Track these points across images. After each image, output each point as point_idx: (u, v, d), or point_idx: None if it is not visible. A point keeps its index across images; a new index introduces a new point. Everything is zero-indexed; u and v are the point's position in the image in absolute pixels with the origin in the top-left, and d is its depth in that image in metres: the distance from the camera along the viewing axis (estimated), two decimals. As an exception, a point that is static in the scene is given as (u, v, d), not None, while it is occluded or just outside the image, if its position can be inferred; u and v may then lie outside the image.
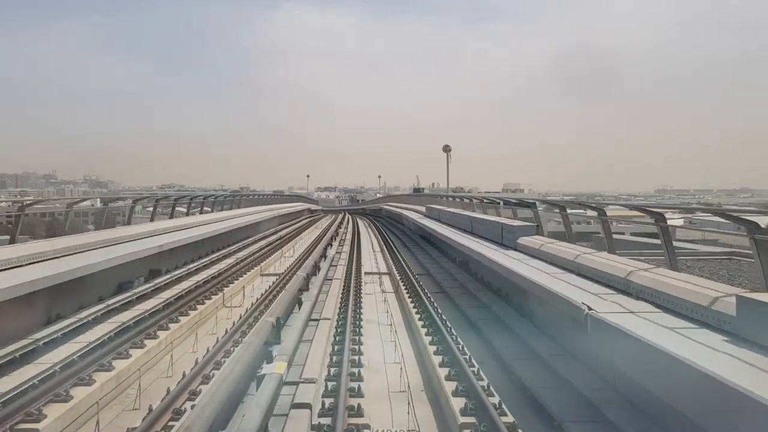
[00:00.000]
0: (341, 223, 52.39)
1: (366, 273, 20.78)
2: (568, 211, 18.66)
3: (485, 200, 21.74)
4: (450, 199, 29.68)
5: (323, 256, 22.30)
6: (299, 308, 11.74)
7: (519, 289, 10.98)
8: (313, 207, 77.66)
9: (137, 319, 12.15)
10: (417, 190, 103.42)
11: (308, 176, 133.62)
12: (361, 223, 55.85)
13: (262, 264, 21.63)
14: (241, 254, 23.60)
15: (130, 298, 13.94)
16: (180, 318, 12.63)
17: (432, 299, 14.37)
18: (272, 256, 24.09)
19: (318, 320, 11.84)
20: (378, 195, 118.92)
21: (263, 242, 29.49)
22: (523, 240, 13.59)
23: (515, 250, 13.67)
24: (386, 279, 19.97)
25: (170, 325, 11.97)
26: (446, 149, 38.02)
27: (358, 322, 12.29)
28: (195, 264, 19.79)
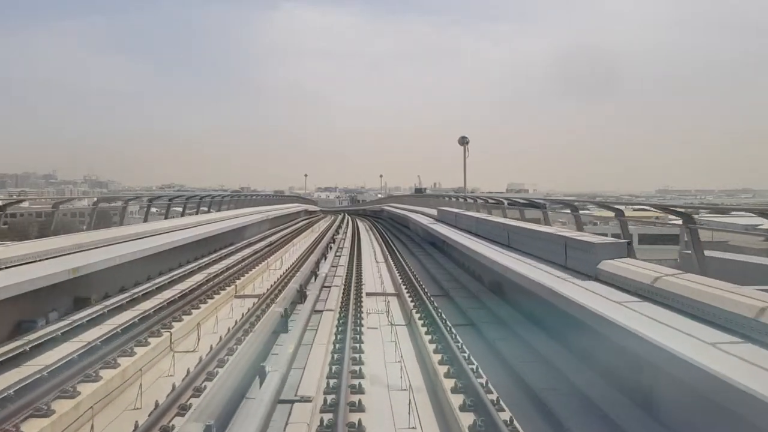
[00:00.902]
0: (340, 226, 47.78)
1: (368, 294, 16.31)
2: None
3: (519, 201, 17.05)
4: (471, 200, 24.83)
5: (314, 273, 17.69)
6: (262, 383, 7.09)
7: (637, 364, 6.32)
8: (311, 208, 72.94)
9: (14, 389, 7.68)
10: (419, 190, 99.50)
11: (306, 176, 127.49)
12: (361, 225, 51.36)
13: (237, 283, 17.10)
14: (213, 269, 19.08)
15: (22, 349, 9.47)
16: (79, 388, 8.05)
17: (463, 346, 9.83)
18: (249, 274, 19.44)
19: (291, 403, 7.17)
20: (379, 195, 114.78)
21: (248, 251, 25.10)
22: (610, 266, 8.75)
23: (596, 279, 8.91)
24: (394, 303, 15.52)
25: (54, 406, 7.38)
26: (463, 141, 33.03)
27: (357, 402, 7.66)
28: (146, 285, 15.23)
